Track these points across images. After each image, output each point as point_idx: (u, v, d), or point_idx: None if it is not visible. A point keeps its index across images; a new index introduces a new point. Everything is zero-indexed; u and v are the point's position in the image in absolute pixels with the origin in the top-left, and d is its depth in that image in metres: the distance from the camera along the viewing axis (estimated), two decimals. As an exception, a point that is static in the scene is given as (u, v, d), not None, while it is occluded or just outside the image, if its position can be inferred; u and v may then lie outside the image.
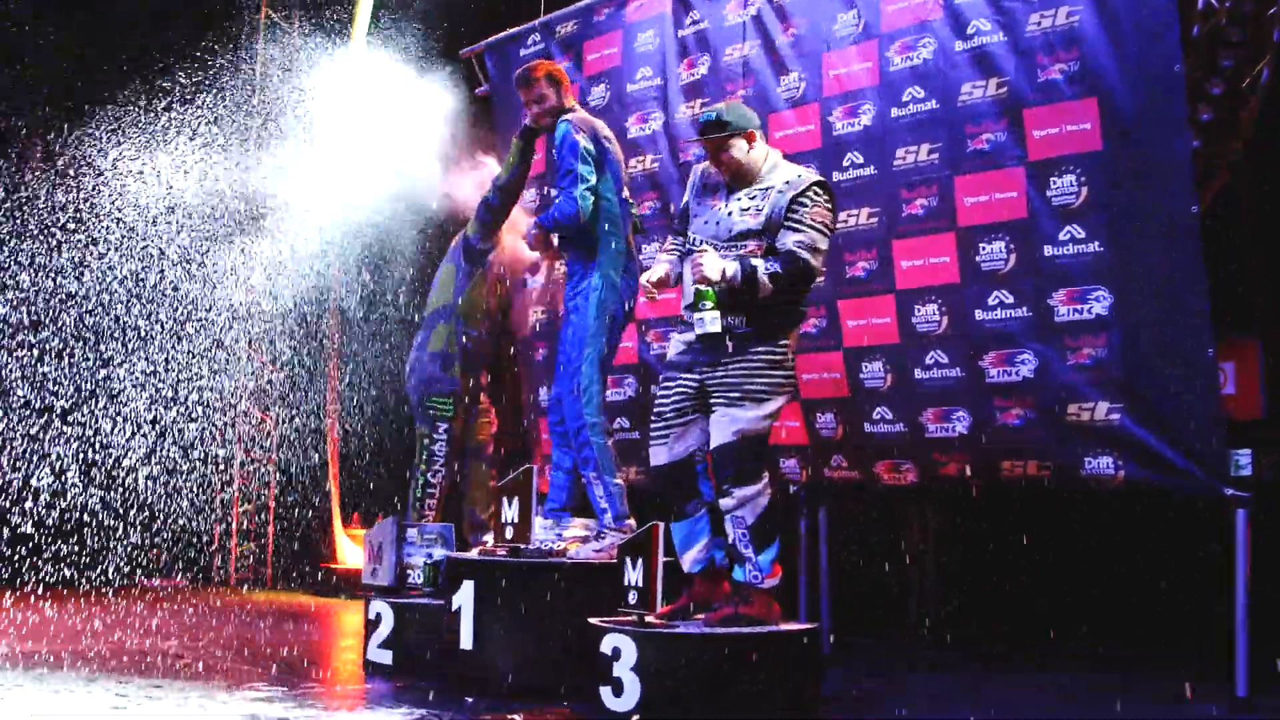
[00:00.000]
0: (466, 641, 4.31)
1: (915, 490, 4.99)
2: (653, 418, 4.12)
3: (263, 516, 9.80)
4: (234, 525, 9.64)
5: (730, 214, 3.99)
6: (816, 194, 3.92)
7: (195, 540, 9.22)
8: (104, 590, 7.76)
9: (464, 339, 5.45)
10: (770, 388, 3.89)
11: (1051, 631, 5.25)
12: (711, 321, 3.86)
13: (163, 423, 9.26)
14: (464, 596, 4.34)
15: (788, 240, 3.86)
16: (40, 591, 7.11)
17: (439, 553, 4.88)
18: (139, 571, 8.65)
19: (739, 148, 3.98)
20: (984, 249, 4.55)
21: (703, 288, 3.86)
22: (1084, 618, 5.22)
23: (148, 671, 4.63)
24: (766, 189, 3.96)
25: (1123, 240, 4.22)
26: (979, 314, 4.57)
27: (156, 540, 8.91)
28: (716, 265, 3.84)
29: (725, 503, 3.92)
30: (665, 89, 5.70)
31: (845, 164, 4.96)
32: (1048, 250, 4.38)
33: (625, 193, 4.64)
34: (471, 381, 5.50)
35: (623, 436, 5.77)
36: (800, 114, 5.13)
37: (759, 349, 3.90)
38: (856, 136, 4.94)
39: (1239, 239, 5.20)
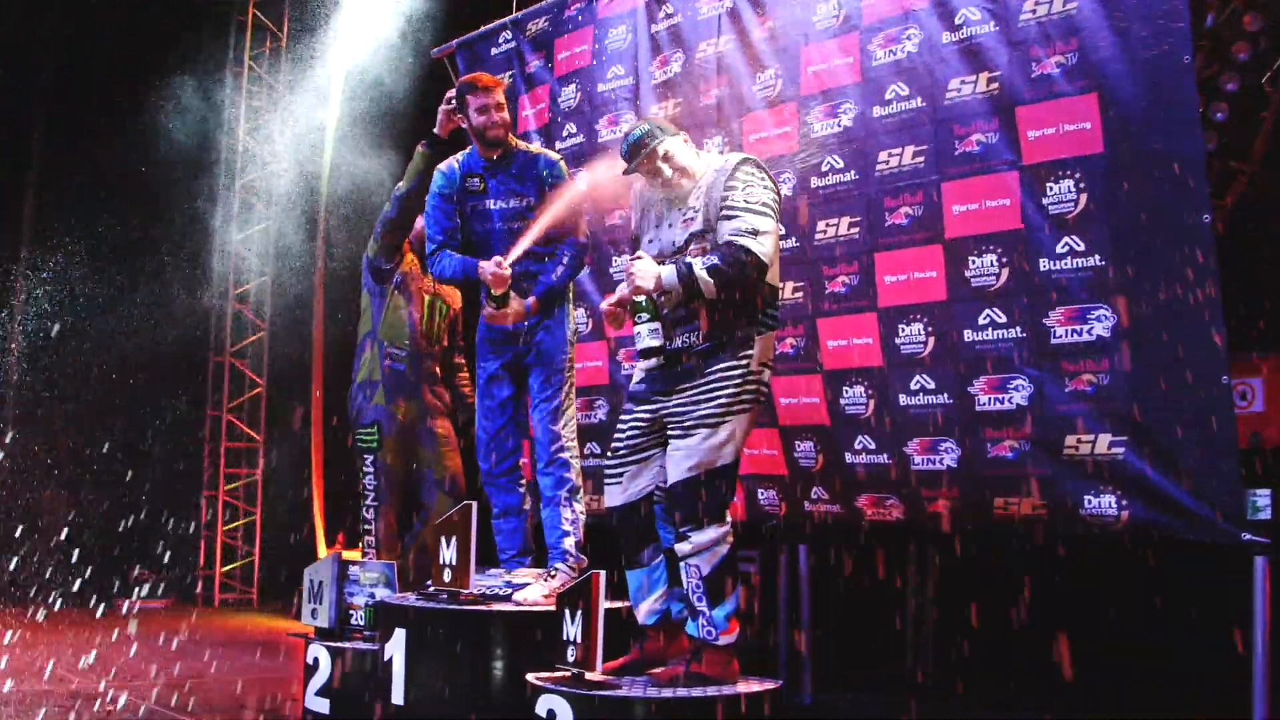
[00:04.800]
0: (398, 695, 3.93)
1: (902, 526, 4.55)
2: (608, 454, 3.71)
3: (247, 538, 9.53)
4: (218, 546, 9.37)
5: (672, 226, 3.59)
6: (748, 173, 3.47)
7: (180, 561, 9.00)
8: (79, 613, 7.51)
9: (387, 363, 5.03)
10: (724, 409, 3.43)
11: (1061, 676, 4.81)
12: (650, 334, 3.45)
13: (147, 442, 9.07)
14: (396, 646, 3.96)
15: (724, 230, 3.43)
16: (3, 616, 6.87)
17: (382, 593, 4.49)
18: (120, 593, 8.43)
19: (656, 163, 3.54)
20: (974, 263, 4.13)
21: (638, 299, 3.47)
22: (1093, 661, 4.78)
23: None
24: (701, 188, 3.54)
25: (1127, 253, 3.78)
26: (968, 334, 4.15)
27: (139, 562, 8.68)
28: (650, 271, 3.45)
29: (681, 548, 3.49)
30: (637, 89, 5.30)
31: (824, 169, 4.54)
32: (1044, 264, 3.96)
33: None
34: (404, 407, 5.07)
35: (594, 463, 5.36)
36: (776, 114, 4.71)
37: (717, 366, 3.46)
38: (836, 138, 4.52)
39: (1267, 246, 4.77)
